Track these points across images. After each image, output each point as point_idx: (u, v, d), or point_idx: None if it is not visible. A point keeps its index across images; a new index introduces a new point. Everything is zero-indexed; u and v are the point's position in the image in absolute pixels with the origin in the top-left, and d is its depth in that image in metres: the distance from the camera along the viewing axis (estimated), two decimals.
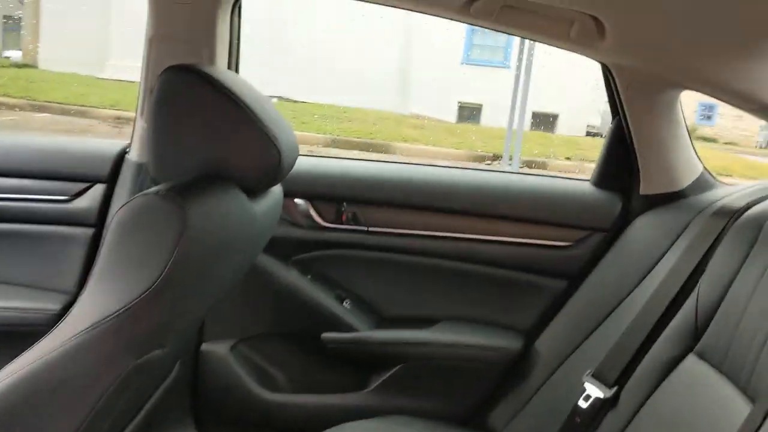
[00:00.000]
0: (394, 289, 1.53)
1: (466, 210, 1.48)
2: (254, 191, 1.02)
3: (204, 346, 1.49)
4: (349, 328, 1.47)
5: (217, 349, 1.48)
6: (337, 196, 1.50)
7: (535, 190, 1.48)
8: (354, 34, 9.37)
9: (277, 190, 1.16)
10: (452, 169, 1.57)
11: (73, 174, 1.48)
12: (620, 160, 1.41)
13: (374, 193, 1.50)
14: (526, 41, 6.49)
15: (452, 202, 1.48)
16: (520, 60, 6.59)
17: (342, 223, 1.50)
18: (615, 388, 1.10)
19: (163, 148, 0.95)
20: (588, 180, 1.50)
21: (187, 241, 0.80)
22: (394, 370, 1.46)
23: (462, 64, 10.13)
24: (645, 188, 1.38)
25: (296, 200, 1.50)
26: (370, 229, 1.50)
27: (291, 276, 1.49)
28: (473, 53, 10.24)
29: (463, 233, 1.47)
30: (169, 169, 0.96)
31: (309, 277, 1.51)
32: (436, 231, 1.48)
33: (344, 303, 1.51)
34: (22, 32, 10.02)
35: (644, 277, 1.25)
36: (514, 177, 1.54)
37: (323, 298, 1.49)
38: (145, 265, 0.80)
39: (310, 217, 1.50)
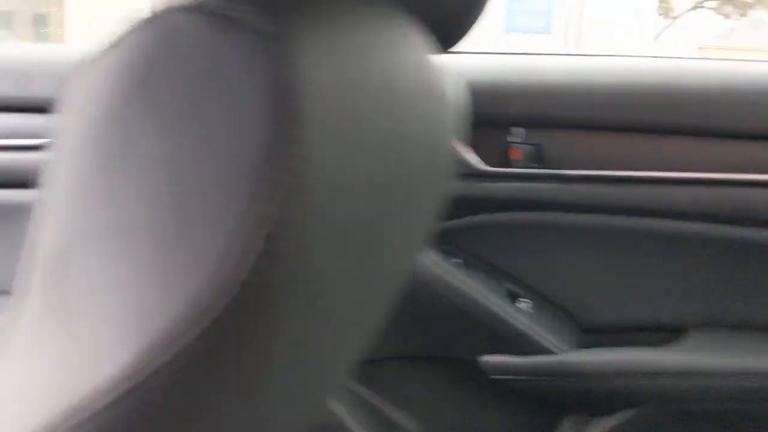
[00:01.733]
0: (608, 278, 0.89)
1: (754, 131, 0.81)
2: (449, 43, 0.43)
3: None
4: (530, 346, 0.86)
5: None
6: (502, 117, 0.86)
7: None
8: None
9: None
10: (723, 63, 0.88)
11: None
12: None
13: (575, 108, 0.85)
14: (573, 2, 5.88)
15: (730, 119, 0.81)
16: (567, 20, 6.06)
17: (512, 166, 0.86)
18: None
19: None
20: None
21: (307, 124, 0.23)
22: (622, 419, 0.85)
23: (506, 32, 9.68)
24: None
25: None
26: (567, 173, 0.85)
27: (426, 260, 0.87)
28: (516, 20, 9.86)
29: (747, 172, 0.82)
30: None
31: (456, 260, 0.89)
32: (694, 171, 0.83)
33: (519, 303, 0.89)
34: None
35: None
36: None
37: (482, 295, 0.87)
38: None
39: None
